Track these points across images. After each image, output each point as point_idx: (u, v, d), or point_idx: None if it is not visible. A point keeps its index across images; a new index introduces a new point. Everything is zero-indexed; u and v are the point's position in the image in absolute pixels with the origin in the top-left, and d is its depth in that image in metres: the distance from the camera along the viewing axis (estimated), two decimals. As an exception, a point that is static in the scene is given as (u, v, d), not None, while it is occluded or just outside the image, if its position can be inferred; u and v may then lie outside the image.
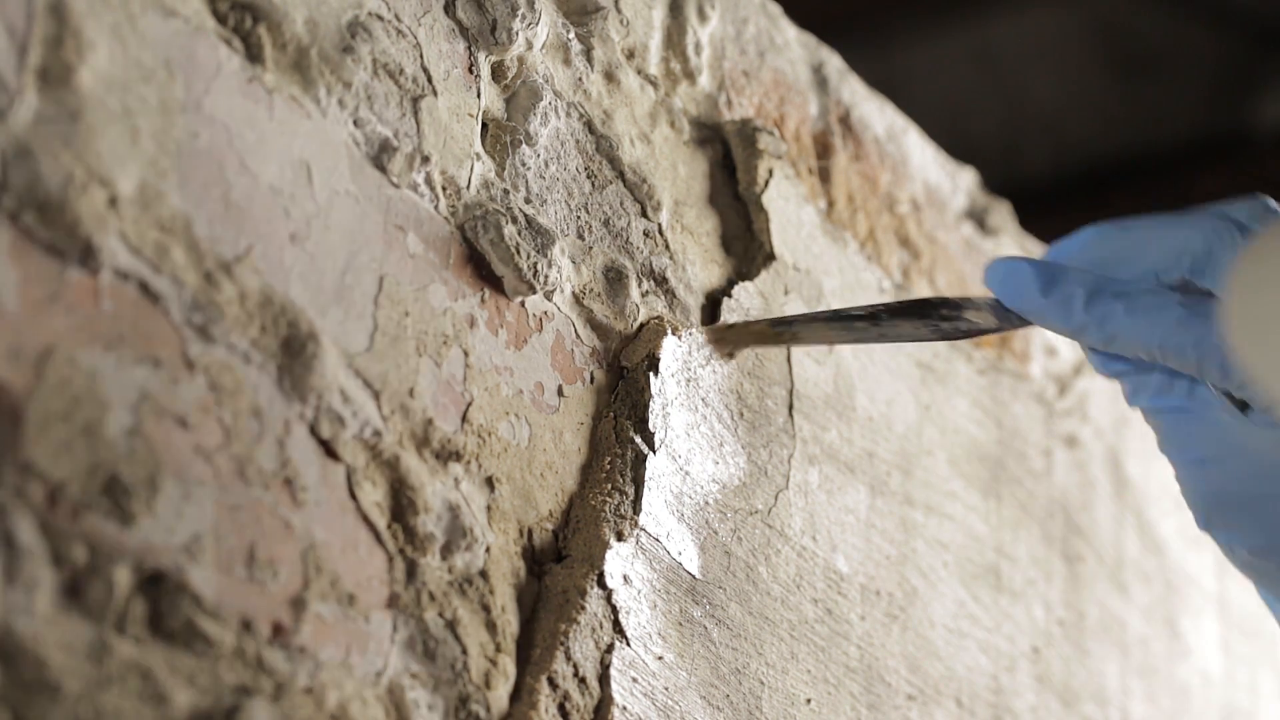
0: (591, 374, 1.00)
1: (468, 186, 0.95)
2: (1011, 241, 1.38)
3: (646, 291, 1.04)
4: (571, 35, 1.04)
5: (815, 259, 1.17)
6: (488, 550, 0.90)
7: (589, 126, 1.04)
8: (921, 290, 1.26)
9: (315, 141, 0.86)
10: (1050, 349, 1.40)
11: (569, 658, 0.91)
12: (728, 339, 1.04)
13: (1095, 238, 0.92)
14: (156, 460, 0.76)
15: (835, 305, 1.17)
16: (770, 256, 1.13)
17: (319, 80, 0.87)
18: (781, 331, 1.02)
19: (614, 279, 1.02)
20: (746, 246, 1.13)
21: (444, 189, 0.93)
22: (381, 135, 0.90)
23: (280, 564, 0.80)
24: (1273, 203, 0.92)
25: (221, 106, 0.82)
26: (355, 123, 0.89)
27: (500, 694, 0.89)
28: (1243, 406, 0.90)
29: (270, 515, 0.80)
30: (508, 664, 0.90)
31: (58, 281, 0.74)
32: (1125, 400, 0.95)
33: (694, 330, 1.05)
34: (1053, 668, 1.30)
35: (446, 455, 0.89)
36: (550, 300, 0.98)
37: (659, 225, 1.06)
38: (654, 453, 1.00)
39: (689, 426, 1.03)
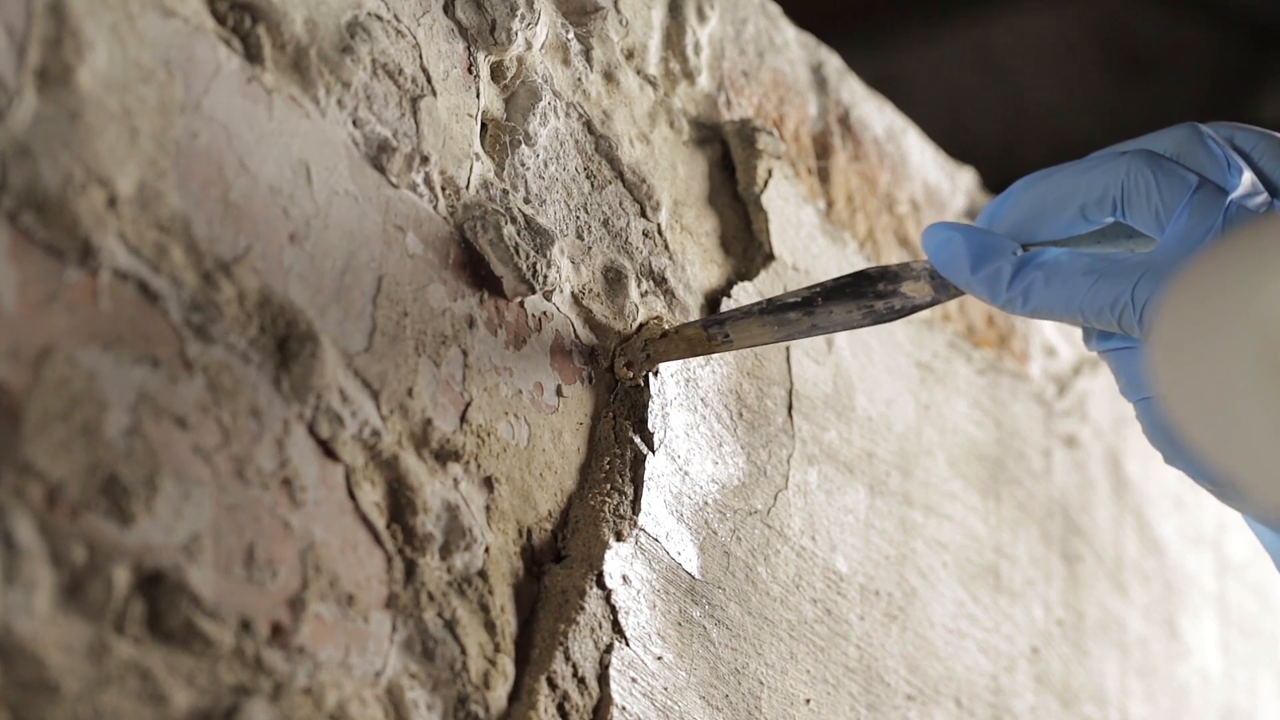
0: (591, 374, 1.00)
1: (467, 186, 0.95)
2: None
3: (646, 291, 1.04)
4: (571, 35, 1.04)
5: (814, 259, 1.17)
6: (487, 550, 0.90)
7: (588, 126, 1.04)
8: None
9: (314, 141, 0.86)
10: (1050, 349, 1.40)
11: (568, 658, 0.91)
12: (660, 350, 1.01)
13: (1023, 191, 0.95)
14: (155, 460, 0.76)
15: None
16: (769, 257, 1.13)
17: (318, 80, 0.87)
18: (714, 334, 0.99)
19: (613, 279, 1.02)
20: (746, 247, 1.13)
21: (443, 189, 0.93)
22: (380, 135, 0.90)
23: (279, 564, 0.80)
24: (1203, 128, 0.93)
25: (221, 106, 0.82)
26: (354, 123, 0.89)
27: (499, 694, 0.89)
28: None
29: (269, 515, 0.80)
30: (507, 664, 0.90)
31: (57, 281, 0.74)
32: (1085, 344, 0.97)
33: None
34: (1052, 668, 1.30)
35: (445, 455, 0.89)
36: (549, 300, 0.98)
37: (658, 225, 1.06)
38: (653, 453, 1.00)
39: (688, 426, 1.03)
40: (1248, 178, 0.91)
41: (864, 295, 0.98)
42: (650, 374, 1.01)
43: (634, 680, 0.95)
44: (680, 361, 1.03)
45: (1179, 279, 0.83)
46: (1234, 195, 0.90)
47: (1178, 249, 0.89)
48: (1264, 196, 0.91)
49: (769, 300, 0.99)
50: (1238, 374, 0.73)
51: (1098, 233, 0.95)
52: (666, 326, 1.01)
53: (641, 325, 1.03)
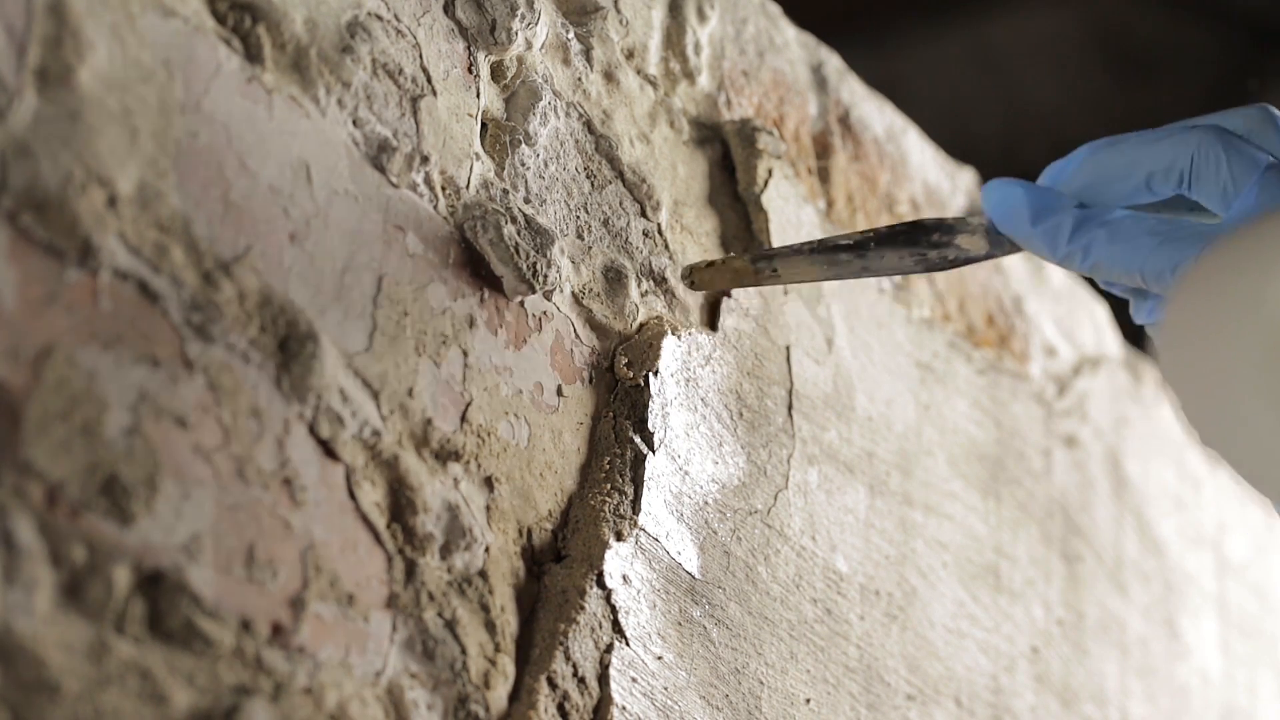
0: (591, 374, 1.00)
1: (467, 186, 0.95)
2: (1011, 241, 1.38)
3: (646, 291, 1.04)
4: (571, 35, 1.04)
5: (815, 259, 1.17)
6: (487, 550, 0.90)
7: (588, 126, 1.04)
8: (921, 289, 1.26)
9: (314, 141, 0.86)
10: (1050, 349, 1.40)
11: (568, 657, 0.91)
12: (705, 279, 1.01)
13: (1089, 156, 0.94)
14: (155, 460, 0.76)
15: (835, 304, 1.17)
16: (770, 256, 1.13)
17: (318, 80, 0.87)
18: (761, 269, 0.98)
19: (613, 279, 1.02)
20: (746, 246, 1.13)
21: (443, 189, 0.93)
22: (381, 135, 0.90)
23: (279, 564, 0.80)
24: (1274, 110, 0.92)
25: (221, 106, 0.82)
26: (354, 122, 0.89)
27: (499, 694, 0.89)
28: None
29: (269, 515, 0.80)
30: (507, 664, 0.90)
31: (57, 281, 0.74)
32: (1132, 316, 0.96)
33: (693, 330, 1.05)
34: (1052, 668, 1.30)
35: (446, 455, 0.89)
36: (549, 300, 0.98)
37: (658, 225, 1.06)
38: (653, 452, 1.00)
39: (688, 426, 1.03)
40: None
41: (917, 243, 0.97)
42: (650, 373, 1.01)
43: (634, 680, 0.95)
44: (680, 361, 1.03)
45: (1185, 278, 0.83)
46: None
47: (1245, 222, 0.89)
48: None
49: (820, 241, 0.98)
50: (1244, 372, 0.73)
51: (1157, 205, 0.94)
52: (714, 260, 1.00)
53: (642, 325, 1.03)
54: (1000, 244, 0.95)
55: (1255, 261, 0.75)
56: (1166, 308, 0.82)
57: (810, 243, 0.98)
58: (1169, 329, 0.79)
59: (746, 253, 1.00)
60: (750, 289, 1.10)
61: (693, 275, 1.00)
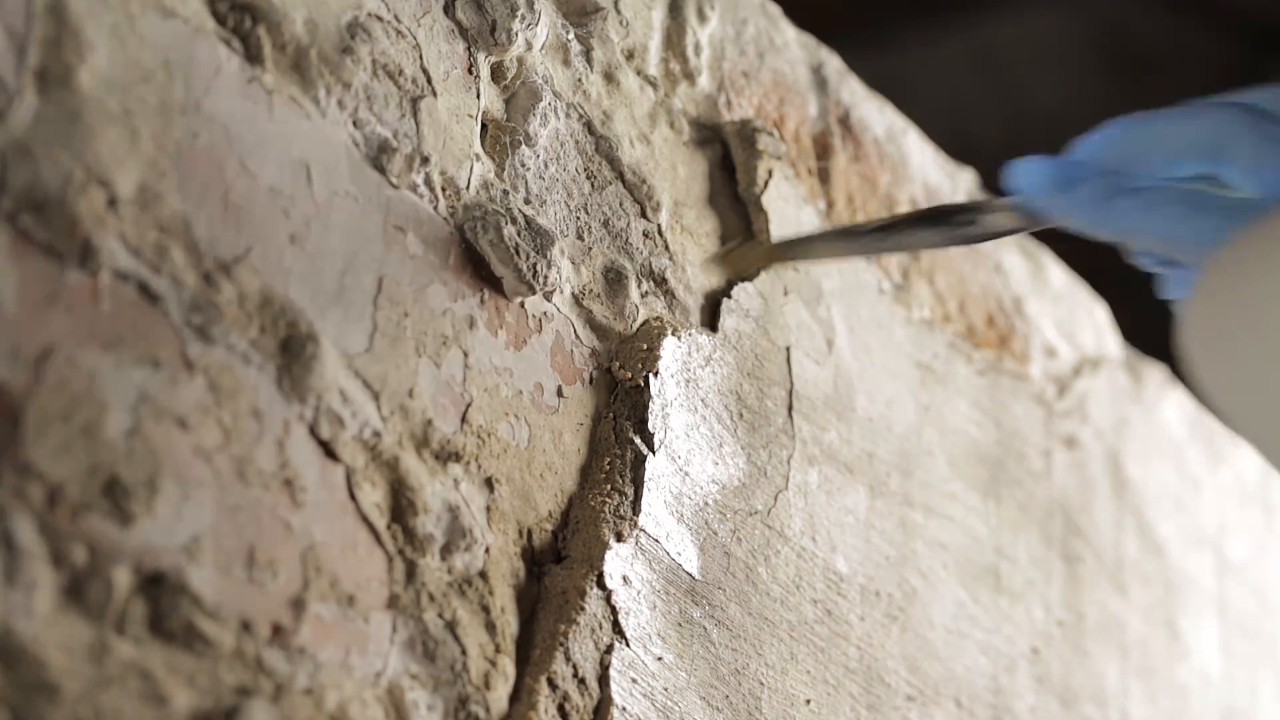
0: (591, 374, 1.00)
1: (467, 187, 0.95)
2: (1011, 241, 1.38)
3: (646, 292, 1.04)
4: (571, 36, 1.04)
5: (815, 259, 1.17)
6: (487, 551, 0.90)
7: (588, 127, 1.04)
8: (922, 290, 1.26)
9: (315, 142, 0.86)
10: (1050, 350, 1.40)
11: (568, 658, 0.91)
12: (736, 258, 1.01)
13: (1117, 132, 0.93)
14: (156, 461, 0.76)
15: (835, 305, 1.17)
16: (770, 257, 1.13)
17: (318, 81, 0.87)
18: (785, 248, 1.00)
19: (614, 280, 1.02)
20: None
21: (443, 189, 0.93)
22: (381, 136, 0.90)
23: (280, 565, 0.80)
24: None
25: (221, 107, 0.82)
26: (355, 123, 0.89)
27: (500, 695, 0.89)
28: None
29: (270, 516, 0.80)
30: (507, 665, 0.90)
31: (57, 282, 0.74)
32: (1161, 293, 0.95)
33: (694, 331, 1.05)
34: (1052, 668, 1.30)
35: (446, 456, 0.89)
36: (550, 301, 0.98)
37: (658, 226, 1.06)
38: (653, 453, 1.00)
39: (688, 427, 1.03)
40: None
41: (945, 223, 0.97)
42: (650, 374, 1.01)
43: (634, 681, 0.95)
44: (680, 362, 1.03)
45: (1217, 258, 0.82)
46: None
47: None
48: None
49: (844, 227, 0.99)
50: (1274, 360, 0.73)
51: (1185, 182, 0.94)
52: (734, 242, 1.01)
53: (643, 323, 1.03)
54: (1030, 217, 0.94)
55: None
56: (1197, 287, 0.81)
57: (836, 228, 0.99)
58: (1199, 309, 0.79)
59: (770, 242, 1.01)
60: (753, 291, 1.10)
61: (724, 257, 1.01)
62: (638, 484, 0.98)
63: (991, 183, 1.42)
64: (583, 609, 0.93)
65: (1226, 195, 0.91)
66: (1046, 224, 0.94)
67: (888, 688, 1.13)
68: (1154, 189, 0.91)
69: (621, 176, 1.05)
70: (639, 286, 1.04)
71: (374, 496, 0.85)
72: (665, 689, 0.96)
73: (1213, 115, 0.91)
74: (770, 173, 1.14)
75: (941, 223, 0.97)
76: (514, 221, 0.95)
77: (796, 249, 1.00)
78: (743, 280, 1.06)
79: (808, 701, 1.06)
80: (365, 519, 0.85)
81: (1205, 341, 0.78)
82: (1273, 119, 0.90)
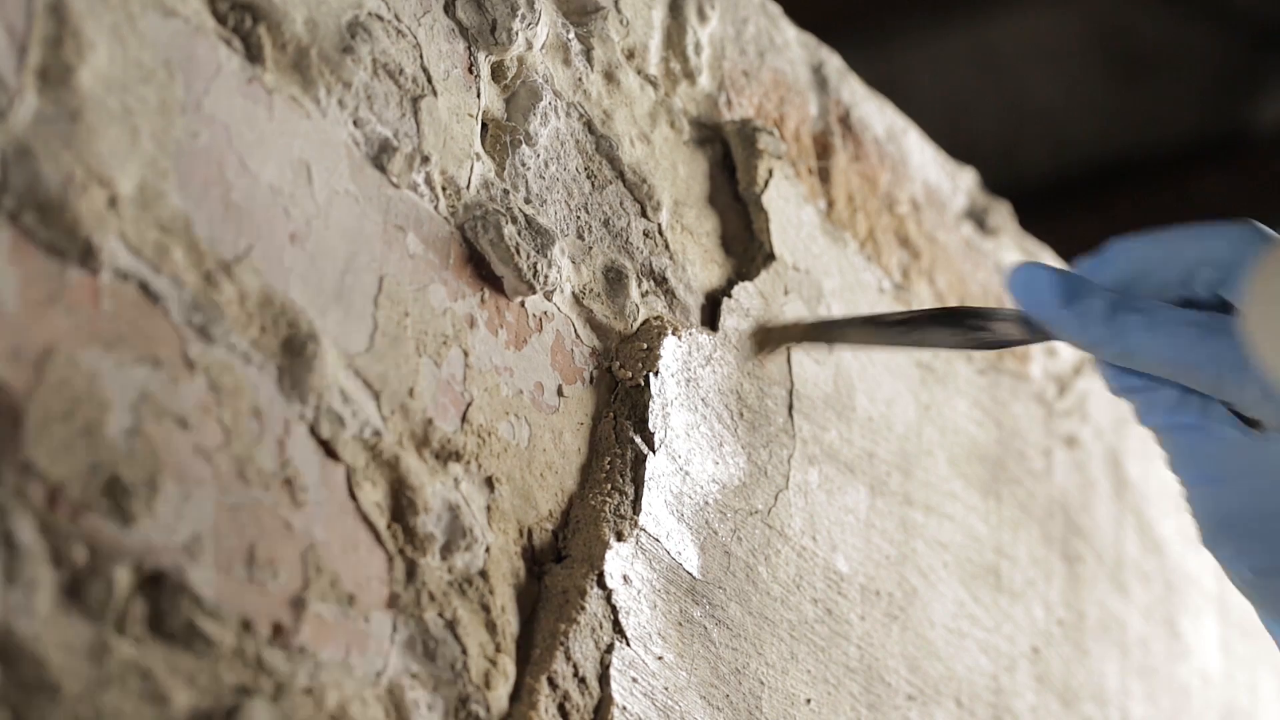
0: (591, 374, 1.00)
1: (467, 186, 0.95)
2: (1011, 242, 1.38)
3: (646, 291, 1.04)
4: (571, 35, 1.04)
5: (815, 259, 1.17)
6: (487, 550, 0.90)
7: (589, 126, 1.04)
8: (921, 290, 1.26)
9: (315, 141, 0.86)
10: (1050, 349, 1.40)
11: (569, 658, 0.91)
12: (770, 339, 1.00)
13: (1122, 249, 0.91)
14: (156, 460, 0.76)
15: (835, 305, 1.17)
16: (770, 257, 1.13)
17: (319, 80, 0.87)
18: (818, 332, 0.99)
19: (614, 279, 1.02)
20: (746, 247, 1.13)
21: (444, 189, 0.93)
22: (381, 135, 0.90)
23: (280, 564, 0.80)
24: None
25: (221, 106, 0.82)
26: (355, 123, 0.89)
27: (500, 694, 0.89)
28: (1255, 424, 0.89)
29: (270, 515, 0.80)
30: (507, 664, 0.90)
31: (58, 282, 0.74)
32: (1137, 420, 0.94)
33: (694, 330, 1.05)
34: (1052, 668, 1.30)
35: (446, 455, 0.89)
36: (550, 300, 0.98)
37: (659, 225, 1.06)
38: (654, 453, 1.00)
39: (689, 426, 1.03)
40: None
41: (960, 325, 0.96)
42: (651, 373, 1.01)
43: (635, 680, 0.95)
44: (680, 361, 1.03)
45: (1268, 259, 0.82)
46: None
47: None
48: None
49: (868, 316, 0.99)
50: None
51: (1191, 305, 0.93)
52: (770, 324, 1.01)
53: (643, 323, 1.03)
54: (1033, 331, 0.92)
55: None
56: (1256, 269, 0.80)
57: (860, 317, 0.99)
58: (1258, 301, 0.78)
59: (804, 321, 1.01)
60: (753, 290, 1.11)
61: (761, 337, 0.99)
62: (638, 483, 0.98)
63: (991, 182, 1.42)
64: (583, 608, 0.93)
65: (1232, 319, 0.89)
66: (1050, 338, 0.93)
67: (888, 687, 1.13)
68: (1159, 309, 0.88)
69: (622, 176, 1.05)
70: (639, 286, 1.04)
71: (374, 496, 0.85)
72: (665, 688, 0.96)
73: (1224, 231, 0.89)
74: (770, 172, 1.14)
75: (956, 324, 0.96)
76: (514, 221, 0.95)
77: (828, 333, 0.99)
78: (773, 354, 1.05)
79: (808, 701, 1.06)
80: (366, 518, 0.85)
81: (1270, 337, 0.78)
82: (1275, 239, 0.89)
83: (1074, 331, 0.90)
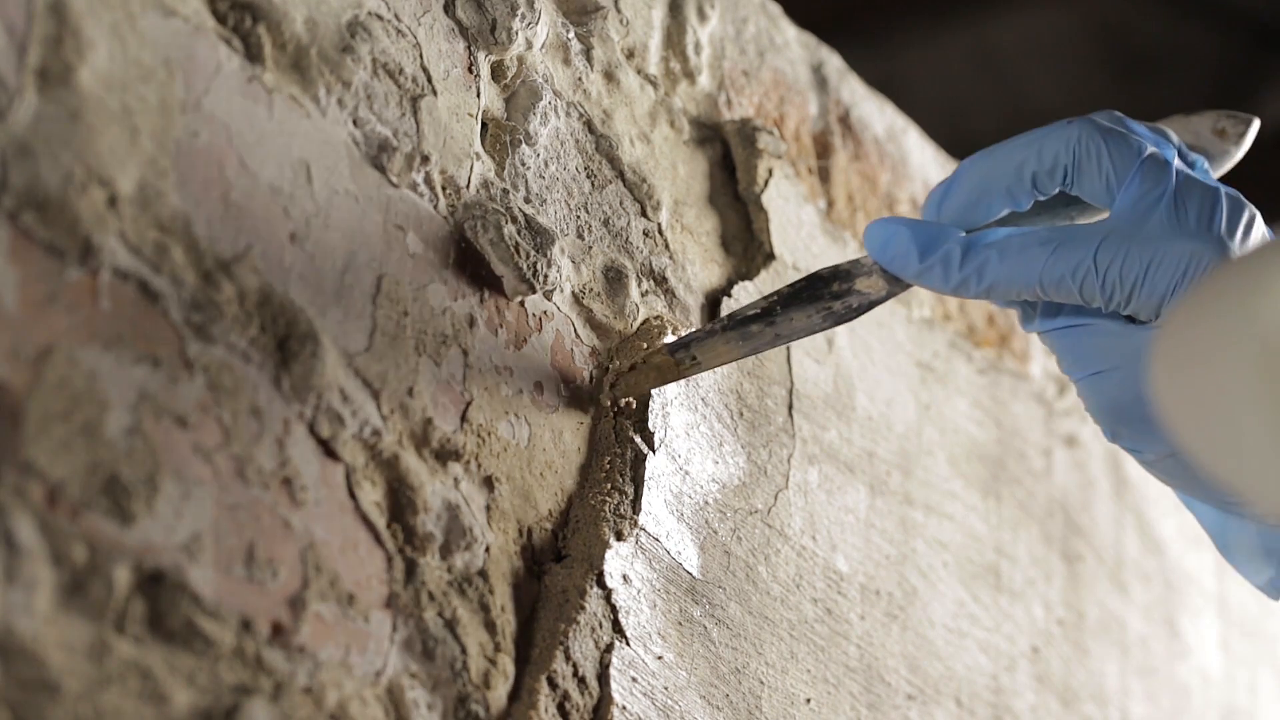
0: (591, 373, 1.00)
1: (467, 186, 0.95)
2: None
3: (646, 291, 1.04)
4: (571, 35, 1.04)
5: (815, 259, 1.17)
6: (487, 550, 0.90)
7: (589, 126, 1.04)
8: (922, 289, 1.26)
9: (315, 141, 0.86)
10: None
11: (568, 657, 0.91)
12: (630, 384, 1.00)
13: (969, 168, 0.95)
14: (156, 460, 0.76)
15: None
16: (770, 256, 1.13)
17: (319, 80, 0.87)
18: (681, 359, 0.97)
19: (614, 279, 1.02)
20: (746, 246, 1.13)
21: (443, 188, 0.93)
22: (381, 135, 0.90)
23: (279, 563, 0.80)
24: (1116, 113, 0.94)
25: (221, 106, 0.82)
26: (355, 122, 0.89)
27: (499, 693, 0.89)
28: (1130, 319, 0.92)
29: (269, 515, 0.80)
30: (507, 663, 0.90)
31: (57, 281, 0.74)
32: (1019, 326, 0.96)
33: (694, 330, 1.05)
34: (1052, 667, 1.30)
35: (446, 455, 0.89)
36: (550, 300, 0.98)
37: (659, 225, 1.06)
38: (653, 452, 1.00)
39: (688, 426, 1.03)
40: (1173, 150, 0.92)
41: (820, 298, 0.97)
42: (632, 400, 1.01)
43: (634, 680, 0.95)
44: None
45: (1178, 304, 0.83)
46: (1175, 164, 0.91)
47: (1133, 213, 0.90)
48: (1188, 169, 0.92)
49: (729, 316, 0.98)
50: (1239, 390, 0.74)
51: (1039, 212, 0.95)
52: (635, 360, 1.00)
53: (643, 322, 1.03)
54: (898, 281, 0.95)
55: (1247, 284, 0.76)
56: (1160, 333, 0.82)
57: (721, 320, 0.98)
58: (1164, 354, 0.80)
59: (663, 346, 0.99)
60: (753, 290, 1.11)
61: (617, 384, 0.99)
62: (638, 483, 0.98)
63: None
64: (583, 608, 0.93)
65: (1084, 225, 0.92)
66: (912, 285, 0.95)
67: (888, 686, 1.13)
68: (1010, 237, 0.92)
69: (621, 175, 1.05)
70: (639, 285, 1.04)
71: (374, 495, 0.85)
72: (665, 688, 0.96)
73: (1062, 132, 0.92)
74: (770, 172, 1.14)
75: (819, 294, 0.97)
76: (514, 220, 0.95)
77: (689, 354, 0.97)
78: (633, 401, 1.03)
79: (808, 700, 1.06)
80: (365, 518, 0.85)
81: (1171, 384, 0.79)
82: (1119, 132, 0.91)
83: (937, 282, 0.93)
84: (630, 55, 1.08)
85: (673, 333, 1.02)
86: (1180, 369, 0.78)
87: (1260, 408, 0.73)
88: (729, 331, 0.97)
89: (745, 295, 1.10)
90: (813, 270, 1.02)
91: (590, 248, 1.01)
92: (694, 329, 1.02)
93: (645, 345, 1.01)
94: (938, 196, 0.95)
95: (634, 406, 1.00)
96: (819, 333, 0.99)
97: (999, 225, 0.95)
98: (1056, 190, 0.93)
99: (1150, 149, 0.91)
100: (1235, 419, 0.75)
